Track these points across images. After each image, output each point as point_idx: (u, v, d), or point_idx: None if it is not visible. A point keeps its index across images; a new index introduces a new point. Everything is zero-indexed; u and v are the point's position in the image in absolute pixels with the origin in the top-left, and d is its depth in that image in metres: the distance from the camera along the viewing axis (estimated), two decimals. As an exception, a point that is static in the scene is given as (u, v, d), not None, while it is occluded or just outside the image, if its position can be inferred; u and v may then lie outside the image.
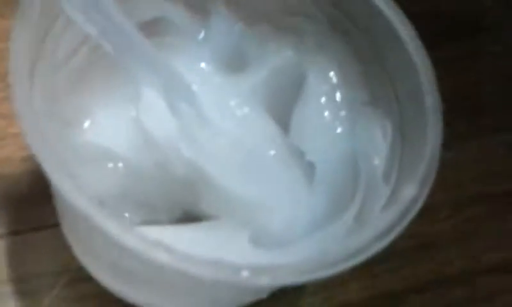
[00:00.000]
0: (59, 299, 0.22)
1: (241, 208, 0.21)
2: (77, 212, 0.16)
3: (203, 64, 0.24)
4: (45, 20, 0.19)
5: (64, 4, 0.18)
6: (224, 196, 0.21)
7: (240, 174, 0.22)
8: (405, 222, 0.17)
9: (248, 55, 0.24)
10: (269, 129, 0.23)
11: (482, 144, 0.30)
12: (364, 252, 0.16)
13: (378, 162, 0.21)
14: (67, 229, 0.21)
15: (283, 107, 0.24)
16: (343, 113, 0.23)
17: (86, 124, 0.22)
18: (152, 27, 0.23)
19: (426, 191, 0.18)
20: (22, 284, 0.22)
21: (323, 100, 0.23)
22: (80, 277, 0.21)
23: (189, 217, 0.22)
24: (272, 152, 0.22)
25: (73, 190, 0.16)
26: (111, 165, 0.22)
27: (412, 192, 0.18)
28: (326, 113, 0.23)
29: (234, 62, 0.24)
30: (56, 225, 0.22)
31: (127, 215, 0.22)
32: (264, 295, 0.21)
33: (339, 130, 0.23)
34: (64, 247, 0.21)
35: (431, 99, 0.20)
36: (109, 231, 0.16)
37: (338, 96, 0.23)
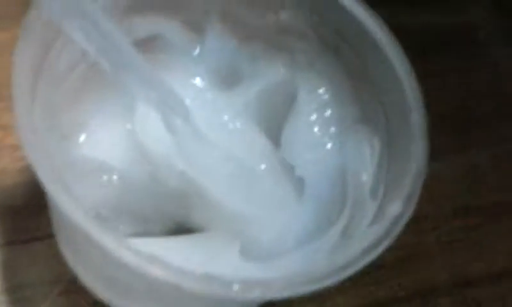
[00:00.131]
0: (52, 309, 0.23)
1: (232, 220, 0.22)
2: (72, 224, 0.17)
3: (197, 80, 0.24)
4: (47, 35, 0.20)
5: (62, 23, 0.19)
6: (215, 208, 0.22)
7: (232, 188, 0.22)
8: (391, 238, 0.18)
9: (241, 72, 0.25)
10: (260, 143, 0.23)
11: (468, 157, 0.30)
12: (351, 267, 0.17)
13: (366, 178, 0.21)
14: (62, 240, 0.22)
15: (274, 122, 0.24)
16: (333, 129, 0.23)
17: (82, 137, 0.22)
18: (148, 44, 0.23)
19: (412, 208, 0.18)
20: (16, 294, 0.23)
21: (313, 116, 0.24)
22: (74, 288, 0.22)
23: (181, 228, 0.23)
24: (263, 166, 0.23)
25: (70, 202, 0.17)
26: (105, 177, 0.22)
27: (398, 208, 0.18)
28: (316, 129, 0.24)
29: (228, 78, 0.25)
30: (51, 236, 0.22)
31: (121, 226, 0.22)
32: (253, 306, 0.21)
33: (329, 146, 0.23)
34: (58, 258, 0.21)
35: (416, 116, 0.20)
36: (104, 245, 0.16)
37: (328, 112, 0.24)
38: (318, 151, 0.23)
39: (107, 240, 0.16)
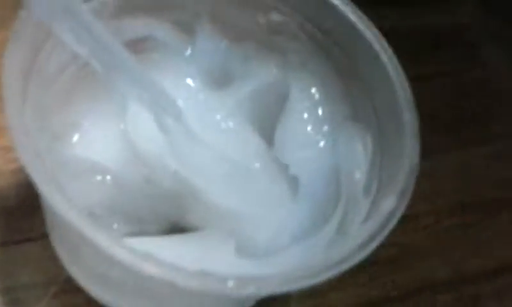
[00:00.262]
0: (47, 310, 0.22)
1: (226, 219, 0.22)
2: (66, 224, 0.17)
3: (189, 80, 0.24)
4: (37, 37, 0.20)
5: (53, 25, 0.19)
6: (210, 207, 0.22)
7: (226, 187, 0.22)
8: (385, 233, 0.18)
9: (233, 72, 0.25)
10: (253, 143, 0.24)
11: (461, 155, 0.30)
12: (346, 262, 0.17)
13: (359, 175, 0.22)
14: (56, 240, 0.22)
15: (267, 121, 0.24)
16: (325, 128, 0.24)
17: (75, 138, 0.22)
18: (139, 45, 0.23)
19: (405, 203, 0.19)
20: (11, 296, 0.23)
21: (306, 115, 0.24)
22: (69, 288, 0.22)
23: (176, 228, 0.23)
24: (257, 165, 0.23)
25: (63, 202, 0.17)
26: (99, 178, 0.22)
27: (391, 204, 0.19)
28: (309, 128, 0.24)
29: (220, 78, 0.25)
30: (45, 236, 0.22)
31: (115, 226, 0.22)
32: (251, 304, 0.21)
33: (321, 144, 0.24)
34: (52, 258, 0.21)
35: (408, 115, 0.21)
36: (99, 243, 0.16)
37: (320, 111, 0.24)
38: (311, 150, 0.24)
39: (101, 239, 0.16)
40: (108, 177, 0.22)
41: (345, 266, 0.17)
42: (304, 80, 0.24)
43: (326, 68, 0.24)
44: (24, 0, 0.19)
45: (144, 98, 0.21)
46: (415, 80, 0.22)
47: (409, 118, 0.21)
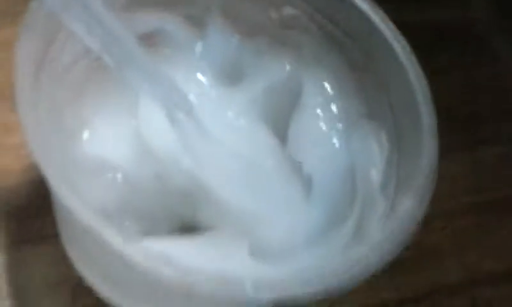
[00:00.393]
0: (59, 312, 0.22)
1: (240, 219, 0.21)
2: (78, 223, 0.16)
3: (200, 75, 0.24)
4: (49, 29, 0.19)
5: (64, 17, 0.18)
6: (222, 207, 0.22)
7: (239, 186, 0.22)
8: (405, 238, 0.18)
9: (245, 67, 0.24)
10: (267, 140, 0.23)
11: (473, 154, 0.30)
12: (365, 269, 0.17)
13: (375, 174, 0.21)
14: (67, 240, 0.21)
15: (280, 118, 0.24)
16: (339, 125, 0.23)
17: (86, 135, 0.22)
18: (150, 39, 0.23)
19: (425, 205, 0.18)
20: (22, 295, 0.22)
21: (319, 111, 0.23)
22: (81, 290, 0.21)
23: (188, 227, 0.22)
24: (270, 163, 0.23)
25: (76, 200, 0.17)
26: (110, 176, 0.22)
27: (411, 206, 0.18)
28: (323, 125, 0.23)
29: (232, 74, 0.24)
30: (57, 236, 0.22)
31: (126, 225, 0.22)
32: None
33: (336, 142, 0.23)
34: (64, 258, 0.21)
35: (426, 113, 0.20)
36: (113, 245, 0.16)
37: (334, 108, 0.23)
38: (325, 147, 0.23)
39: (116, 240, 0.16)
40: (119, 174, 0.22)
41: (363, 274, 0.17)
42: (318, 75, 0.24)
43: (339, 62, 0.23)
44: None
45: (155, 92, 0.21)
46: (426, 75, 0.21)
47: (427, 115, 0.20)
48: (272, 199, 0.22)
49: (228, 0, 0.24)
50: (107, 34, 0.19)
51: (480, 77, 0.33)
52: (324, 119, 0.23)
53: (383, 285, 0.25)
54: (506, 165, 0.30)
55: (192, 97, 0.23)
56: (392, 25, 0.22)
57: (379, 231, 0.18)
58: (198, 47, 0.24)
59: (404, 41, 0.22)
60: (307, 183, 0.22)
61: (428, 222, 0.27)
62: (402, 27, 0.22)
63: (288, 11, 0.24)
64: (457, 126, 0.30)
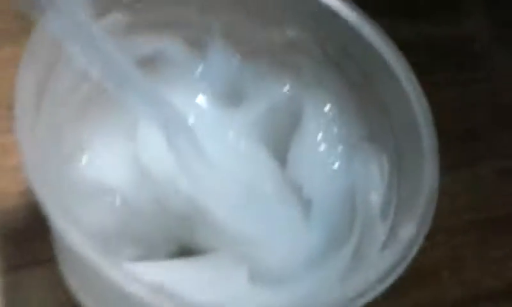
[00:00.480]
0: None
1: (238, 243, 0.21)
2: (75, 253, 0.16)
3: (201, 98, 0.24)
4: (50, 56, 0.19)
5: (66, 44, 0.18)
6: (221, 230, 0.21)
7: (238, 209, 0.22)
8: (405, 263, 0.17)
9: (246, 89, 0.24)
10: (266, 163, 0.23)
11: (475, 170, 0.30)
12: (364, 297, 0.16)
13: (375, 197, 0.21)
14: (63, 264, 0.21)
15: (280, 140, 0.24)
16: (340, 148, 0.23)
17: (84, 159, 0.22)
18: (150, 62, 0.23)
19: (425, 230, 0.18)
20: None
21: (320, 134, 0.23)
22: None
23: (186, 250, 0.22)
24: (269, 187, 0.23)
25: (71, 228, 0.16)
26: (108, 199, 0.22)
27: (411, 231, 0.18)
28: (323, 148, 0.23)
29: (232, 95, 0.24)
30: (54, 260, 0.21)
31: (125, 249, 0.22)
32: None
33: (336, 165, 0.23)
34: (61, 283, 0.21)
35: (427, 136, 0.20)
36: (107, 274, 0.16)
37: (335, 130, 0.23)
38: (325, 170, 0.23)
39: (112, 271, 0.16)
40: (117, 197, 0.22)
41: (365, 300, 0.17)
42: (318, 97, 0.24)
43: (340, 84, 0.23)
44: (37, 18, 0.18)
45: (154, 116, 0.20)
46: (424, 92, 0.21)
47: (428, 138, 0.20)
48: (271, 223, 0.22)
49: (229, 21, 0.24)
50: (106, 59, 0.19)
51: (477, 93, 0.33)
52: (325, 141, 0.23)
53: (384, 303, 0.25)
54: (506, 181, 0.30)
55: (191, 119, 0.23)
56: (393, 47, 0.22)
57: (379, 256, 0.18)
58: (199, 68, 0.24)
59: (405, 63, 0.22)
60: (307, 206, 0.22)
61: (428, 239, 0.27)
62: (397, 43, 0.22)
63: (289, 32, 0.24)
64: (456, 143, 0.30)
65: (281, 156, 0.23)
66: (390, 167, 0.21)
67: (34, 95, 0.19)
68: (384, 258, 0.18)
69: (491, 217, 0.29)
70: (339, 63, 0.23)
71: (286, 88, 0.24)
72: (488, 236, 0.28)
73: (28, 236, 0.23)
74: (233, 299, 0.17)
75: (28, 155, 0.17)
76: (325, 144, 0.23)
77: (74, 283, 0.21)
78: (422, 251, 0.27)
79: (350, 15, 0.22)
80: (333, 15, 0.22)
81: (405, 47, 0.22)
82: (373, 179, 0.22)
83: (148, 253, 0.22)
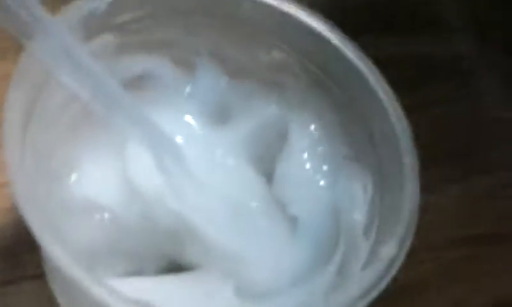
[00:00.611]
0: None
1: (225, 259, 0.22)
2: (61, 272, 0.16)
3: (188, 117, 0.24)
4: (39, 78, 0.20)
5: (53, 68, 0.19)
6: (208, 247, 0.22)
7: (225, 226, 0.22)
8: (386, 281, 0.18)
9: (233, 109, 0.25)
10: (252, 181, 0.24)
11: (460, 187, 0.30)
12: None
13: (359, 216, 0.22)
14: (53, 282, 0.21)
15: (267, 158, 0.24)
16: (325, 167, 0.24)
17: (73, 177, 0.22)
18: (138, 82, 0.23)
19: (405, 251, 0.19)
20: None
21: (305, 153, 0.24)
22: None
23: (175, 266, 0.22)
24: (256, 204, 0.23)
25: (57, 248, 0.17)
26: (97, 216, 0.22)
27: (392, 251, 0.18)
28: (308, 166, 0.24)
29: (219, 115, 0.25)
30: (44, 276, 0.22)
31: (114, 265, 0.22)
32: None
33: (321, 183, 0.23)
34: (50, 300, 0.21)
35: (408, 158, 0.21)
36: (95, 295, 0.16)
37: (320, 150, 0.24)
38: (311, 189, 0.24)
39: (97, 290, 0.16)
40: (106, 216, 0.22)
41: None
42: (304, 117, 0.24)
43: (324, 105, 0.24)
44: (24, 42, 0.19)
45: (142, 137, 0.21)
46: (412, 109, 0.22)
47: (409, 160, 0.21)
48: (257, 240, 0.22)
49: (217, 43, 0.24)
50: (94, 81, 0.19)
51: (467, 111, 0.33)
52: (310, 160, 0.24)
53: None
54: (495, 197, 0.30)
55: (180, 138, 0.23)
56: (375, 70, 0.22)
57: (361, 274, 0.18)
58: (187, 88, 0.25)
59: (385, 83, 0.22)
60: (293, 223, 0.23)
61: (416, 255, 0.28)
62: (389, 61, 0.22)
63: (275, 54, 0.24)
64: (443, 159, 0.30)
65: (268, 174, 0.24)
66: (372, 186, 0.22)
67: (23, 114, 0.19)
68: (366, 275, 0.18)
69: (481, 233, 0.29)
70: (323, 84, 0.24)
71: (272, 108, 0.25)
72: (477, 252, 0.28)
73: (17, 252, 0.24)
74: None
75: (15, 173, 0.18)
76: (310, 163, 0.24)
77: (63, 300, 0.21)
78: (408, 268, 0.27)
79: (332, 36, 0.23)
80: (315, 36, 0.23)
81: (394, 63, 0.22)
82: (356, 198, 0.22)
83: (138, 269, 0.22)
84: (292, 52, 0.24)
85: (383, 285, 0.18)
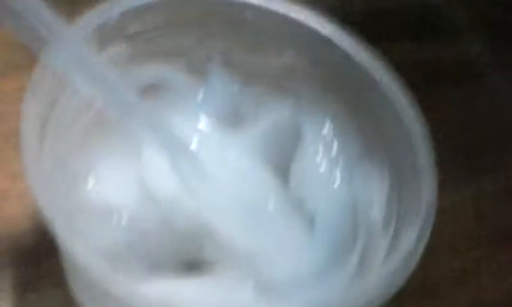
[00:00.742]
0: None
1: (244, 258, 0.22)
2: (84, 272, 0.16)
3: (202, 124, 0.25)
4: (55, 86, 0.20)
5: (69, 75, 0.19)
6: (227, 247, 0.22)
7: (242, 226, 0.22)
8: (406, 273, 0.18)
9: (246, 113, 0.25)
10: (268, 182, 0.24)
11: (479, 185, 0.30)
12: (368, 305, 0.17)
13: (376, 212, 0.22)
14: (74, 285, 0.21)
15: (282, 160, 0.24)
16: (340, 164, 0.24)
17: (90, 182, 0.22)
18: (151, 90, 0.23)
19: (424, 243, 0.19)
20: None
21: (320, 153, 0.24)
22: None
23: (193, 266, 0.22)
24: (272, 204, 0.23)
25: (80, 249, 0.17)
26: (115, 220, 0.22)
27: (411, 243, 0.18)
28: (323, 166, 0.24)
29: (232, 119, 0.25)
30: (63, 283, 0.22)
31: (132, 268, 0.22)
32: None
33: (337, 181, 0.24)
34: (71, 303, 0.21)
35: (423, 151, 0.21)
36: (118, 295, 0.16)
37: (334, 150, 0.24)
38: (327, 188, 0.24)
39: (121, 289, 0.16)
40: (124, 220, 0.22)
41: (371, 302, 0.17)
42: (317, 117, 0.24)
43: (338, 105, 0.24)
44: (40, 51, 0.19)
45: (157, 141, 0.21)
46: (424, 113, 0.22)
47: (425, 154, 0.21)
48: (275, 239, 0.22)
49: (228, 49, 0.24)
50: (109, 88, 0.20)
51: (479, 109, 0.33)
52: (325, 160, 0.24)
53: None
54: (506, 199, 0.30)
55: (194, 142, 0.23)
56: (387, 68, 0.23)
57: (381, 267, 0.18)
58: (200, 94, 0.25)
59: (398, 86, 0.22)
60: (310, 222, 0.23)
61: (433, 253, 0.28)
62: (400, 65, 0.22)
63: (286, 58, 0.24)
64: (455, 160, 0.30)
65: (283, 174, 0.24)
66: (389, 182, 0.22)
67: (38, 124, 0.19)
68: (386, 269, 0.18)
69: (497, 231, 0.29)
70: (335, 87, 0.24)
71: (285, 111, 0.25)
72: (492, 250, 0.28)
73: (36, 258, 0.24)
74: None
75: (34, 177, 0.18)
76: (325, 163, 0.24)
77: (85, 303, 0.21)
78: (427, 266, 0.27)
79: (344, 39, 0.23)
80: (327, 40, 0.23)
81: (405, 68, 0.22)
82: (374, 194, 0.22)
83: (156, 268, 0.22)
84: (303, 56, 0.24)
85: (403, 278, 0.18)
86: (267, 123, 0.25)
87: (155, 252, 0.22)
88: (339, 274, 0.21)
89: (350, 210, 0.23)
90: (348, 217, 0.23)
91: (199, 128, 0.25)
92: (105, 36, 0.22)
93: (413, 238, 0.19)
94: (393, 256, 0.19)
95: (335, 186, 0.24)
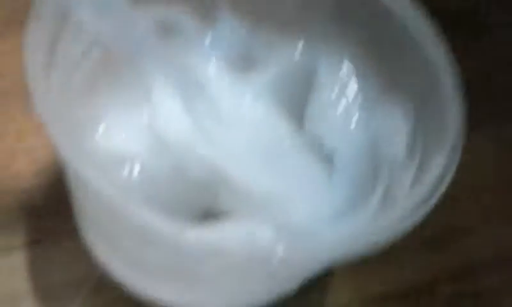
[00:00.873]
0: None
1: (261, 203, 0.21)
2: (103, 202, 0.16)
3: (212, 67, 0.24)
4: (57, 22, 0.19)
5: (76, 8, 0.18)
6: (243, 192, 0.21)
7: (258, 170, 0.21)
8: (438, 193, 0.17)
9: (257, 55, 0.24)
10: (284, 123, 0.23)
11: (500, 129, 0.29)
12: (398, 226, 0.16)
13: (400, 146, 0.21)
14: (90, 233, 0.21)
15: (296, 100, 0.23)
16: (359, 101, 0.23)
17: (100, 129, 0.22)
18: (161, 33, 0.22)
19: (456, 160, 0.18)
20: (44, 295, 0.22)
21: (336, 90, 0.23)
22: (103, 284, 0.21)
23: (209, 215, 0.22)
24: (288, 146, 0.22)
25: (101, 179, 0.16)
26: (127, 169, 0.21)
27: (441, 163, 0.18)
28: (340, 104, 0.23)
29: (244, 62, 0.24)
30: (75, 235, 0.21)
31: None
32: (293, 289, 0.20)
33: (355, 118, 0.23)
34: (84, 257, 0.21)
35: (448, 80, 0.20)
36: (164, 233, 0.16)
37: (353, 85, 0.23)
38: (345, 129, 0.23)
39: (166, 229, 0.16)
40: (136, 169, 0.22)
41: (398, 230, 0.16)
42: (332, 55, 0.23)
43: (356, 39, 0.23)
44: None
45: (171, 82, 0.20)
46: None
47: (449, 81, 0.20)
48: (292, 182, 0.21)
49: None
50: (121, 26, 0.19)
51: (494, 60, 0.32)
52: (343, 96, 0.23)
53: (415, 265, 0.24)
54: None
55: (207, 84, 0.22)
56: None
57: (410, 192, 0.17)
58: (208, 39, 0.24)
59: (419, 14, 0.21)
60: (327, 163, 0.22)
61: (454, 200, 0.27)
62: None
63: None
64: (481, 101, 0.29)
65: (299, 115, 0.23)
66: (413, 113, 0.21)
67: (42, 66, 0.18)
68: (416, 191, 0.17)
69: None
70: (354, 17, 0.23)
71: (298, 49, 0.24)
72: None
73: (47, 212, 0.23)
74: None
75: (47, 113, 0.17)
76: (342, 100, 0.23)
77: (101, 251, 0.20)
78: (449, 213, 0.26)
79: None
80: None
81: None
82: (397, 127, 0.21)
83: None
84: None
85: (435, 197, 0.17)
86: (280, 63, 0.24)
87: (169, 203, 0.21)
88: (361, 212, 0.20)
89: (370, 149, 0.22)
90: (368, 156, 0.22)
91: (209, 71, 0.24)
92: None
93: (442, 158, 0.18)
94: (423, 179, 0.18)
95: (353, 126, 0.23)
